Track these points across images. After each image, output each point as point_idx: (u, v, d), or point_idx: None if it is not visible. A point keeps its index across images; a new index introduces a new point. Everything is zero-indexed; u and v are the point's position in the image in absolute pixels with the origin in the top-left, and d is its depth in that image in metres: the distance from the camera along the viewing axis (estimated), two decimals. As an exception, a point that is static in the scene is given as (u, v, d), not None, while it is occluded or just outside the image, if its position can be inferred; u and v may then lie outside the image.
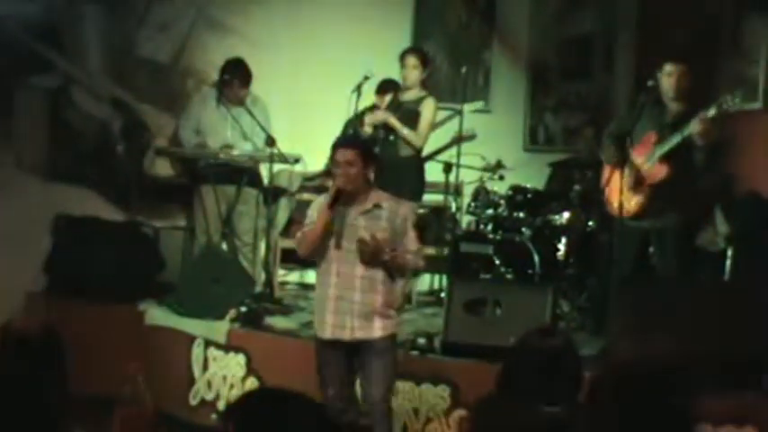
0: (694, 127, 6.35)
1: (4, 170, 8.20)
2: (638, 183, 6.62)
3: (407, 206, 5.86)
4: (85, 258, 7.71)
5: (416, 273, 6.89)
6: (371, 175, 5.61)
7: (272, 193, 8.03)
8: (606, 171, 6.82)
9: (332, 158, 5.64)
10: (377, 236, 5.43)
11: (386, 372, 5.60)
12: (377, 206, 5.56)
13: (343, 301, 5.52)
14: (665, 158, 6.54)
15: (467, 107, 8.43)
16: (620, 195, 6.47)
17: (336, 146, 5.67)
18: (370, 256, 5.43)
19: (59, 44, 8.45)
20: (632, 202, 6.62)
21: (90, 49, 8.62)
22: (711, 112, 6.30)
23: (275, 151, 7.68)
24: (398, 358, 5.84)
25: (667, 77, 6.63)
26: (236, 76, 8.03)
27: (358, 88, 7.74)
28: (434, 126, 7.92)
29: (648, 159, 6.60)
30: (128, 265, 7.78)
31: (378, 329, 5.55)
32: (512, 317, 6.21)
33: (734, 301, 5.98)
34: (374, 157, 5.76)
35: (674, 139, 6.46)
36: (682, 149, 6.47)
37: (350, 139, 5.90)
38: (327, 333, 5.57)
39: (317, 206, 5.68)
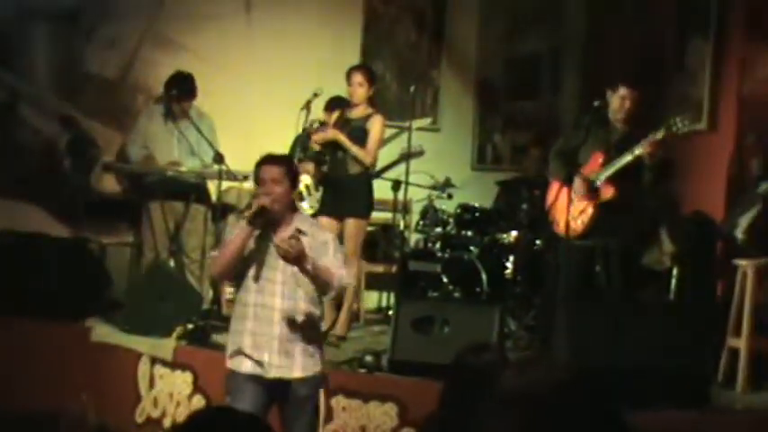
0: (644, 148, 6.42)
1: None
2: (584, 202, 6.68)
3: (328, 233, 5.43)
4: (31, 274, 7.64)
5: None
6: (293, 198, 5.23)
7: (221, 210, 8.01)
8: (553, 189, 6.87)
9: (256, 177, 5.17)
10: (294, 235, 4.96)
11: (307, 427, 5.20)
12: (299, 231, 5.07)
13: (261, 336, 5.10)
14: (612, 178, 6.61)
15: (414, 123, 8.46)
16: (567, 214, 6.52)
17: (261, 163, 5.20)
18: (294, 259, 4.89)
19: (6, 60, 8.38)
20: (578, 221, 6.67)
21: (37, 65, 8.56)
22: (660, 133, 6.39)
23: (224, 168, 7.66)
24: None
25: (619, 99, 6.70)
26: (181, 89, 8.01)
27: (307, 105, 7.76)
28: (383, 143, 7.95)
29: (596, 179, 6.66)
30: (74, 281, 7.70)
31: (298, 369, 5.11)
32: (459, 335, 6.22)
33: (678, 318, 6.04)
34: (298, 176, 5.39)
35: (624, 159, 6.53)
36: (629, 169, 6.54)
37: (276, 155, 5.35)
38: (245, 368, 5.13)
39: (235, 225, 5.33)
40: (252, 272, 5.10)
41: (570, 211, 6.58)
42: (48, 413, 6.33)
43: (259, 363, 5.09)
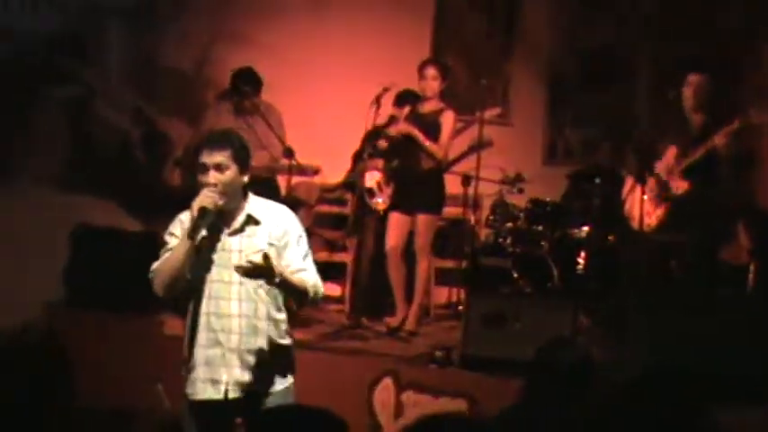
0: (718, 140, 6.32)
1: (22, 181, 8.23)
2: (659, 196, 6.60)
3: (290, 216, 4.64)
4: (104, 269, 7.71)
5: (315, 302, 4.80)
6: (245, 182, 4.50)
7: (291, 205, 8.00)
8: (628, 184, 6.79)
9: (197, 162, 4.49)
10: (252, 261, 4.29)
11: None
12: (251, 220, 4.47)
13: (215, 350, 4.46)
14: (688, 172, 6.52)
15: (486, 114, 8.37)
16: (641, 208, 6.45)
17: (203, 145, 4.50)
18: (258, 277, 4.34)
19: (81, 55, 8.48)
20: (653, 216, 6.60)
21: (112, 60, 8.65)
22: (735, 125, 6.28)
23: (294, 162, 7.67)
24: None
25: (690, 87, 6.61)
26: (248, 83, 8.02)
27: (377, 100, 7.74)
28: (454, 134, 7.93)
29: (671, 173, 6.58)
30: (147, 275, 7.76)
31: (263, 383, 4.51)
32: (531, 331, 6.18)
33: (756, 314, 5.94)
34: (248, 160, 4.55)
35: (698, 153, 6.44)
36: (704, 163, 6.45)
37: (220, 134, 4.65)
38: (197, 391, 4.51)
39: (178, 226, 4.55)
40: (203, 273, 4.46)
41: (644, 206, 6.50)
42: (123, 407, 6.38)
43: (214, 383, 4.48)
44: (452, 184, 8.23)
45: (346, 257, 8.50)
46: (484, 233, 8.77)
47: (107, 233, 7.99)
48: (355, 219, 7.89)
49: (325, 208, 8.92)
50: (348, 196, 8.55)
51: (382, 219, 7.83)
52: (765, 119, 6.43)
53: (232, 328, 4.44)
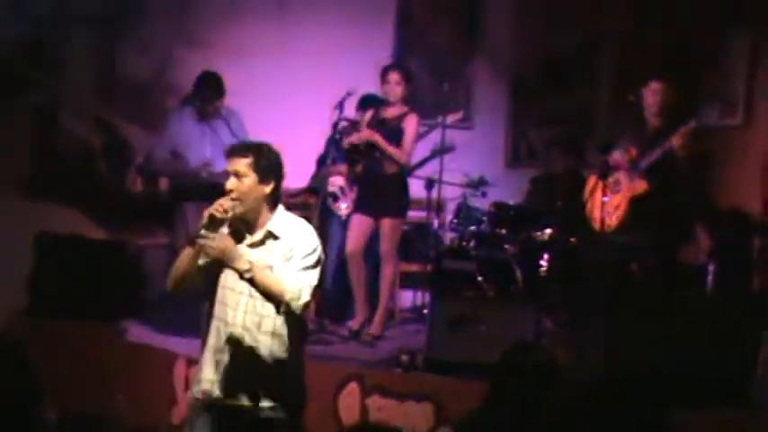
0: (675, 141, 6.40)
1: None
2: (619, 197, 6.66)
3: (305, 233, 4.59)
4: (67, 276, 7.68)
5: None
6: (268, 193, 4.53)
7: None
8: (589, 184, 6.86)
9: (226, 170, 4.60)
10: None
11: None
12: (270, 235, 4.52)
13: (220, 355, 4.55)
14: (646, 173, 6.58)
15: (446, 118, 8.38)
16: (601, 210, 6.51)
17: (228, 153, 4.61)
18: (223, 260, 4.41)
19: (44, 63, 8.44)
20: (613, 217, 6.65)
21: (74, 68, 8.61)
22: (692, 125, 6.36)
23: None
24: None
25: (652, 94, 6.69)
26: (211, 88, 8.01)
27: (340, 104, 7.74)
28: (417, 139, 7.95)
29: (629, 173, 6.64)
30: (110, 282, 7.75)
31: (258, 396, 4.52)
32: (495, 334, 6.21)
33: (716, 314, 6.00)
34: (275, 170, 4.57)
35: (655, 154, 6.51)
36: (662, 164, 6.52)
37: (245, 144, 4.74)
38: (200, 393, 4.62)
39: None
40: (219, 282, 4.54)
41: (605, 206, 6.56)
42: (85, 414, 6.36)
43: (215, 386, 4.56)
44: (416, 188, 8.25)
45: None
46: (448, 237, 8.80)
47: (70, 240, 7.96)
48: (319, 223, 7.89)
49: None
50: (312, 201, 8.55)
51: (346, 223, 7.84)
52: (722, 120, 6.52)
53: (234, 336, 4.52)
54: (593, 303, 6.66)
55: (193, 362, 6.96)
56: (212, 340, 4.59)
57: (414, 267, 8.58)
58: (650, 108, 6.72)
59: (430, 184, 8.16)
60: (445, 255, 8.21)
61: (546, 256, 7.97)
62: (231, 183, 4.47)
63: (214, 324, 4.59)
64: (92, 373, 7.14)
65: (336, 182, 8.08)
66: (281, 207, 4.60)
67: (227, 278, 4.52)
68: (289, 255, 4.49)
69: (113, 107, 8.70)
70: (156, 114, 8.80)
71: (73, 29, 8.56)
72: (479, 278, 7.87)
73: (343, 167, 7.91)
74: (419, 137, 8.15)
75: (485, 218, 8.23)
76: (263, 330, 4.52)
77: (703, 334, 5.75)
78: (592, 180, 6.86)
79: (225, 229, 4.54)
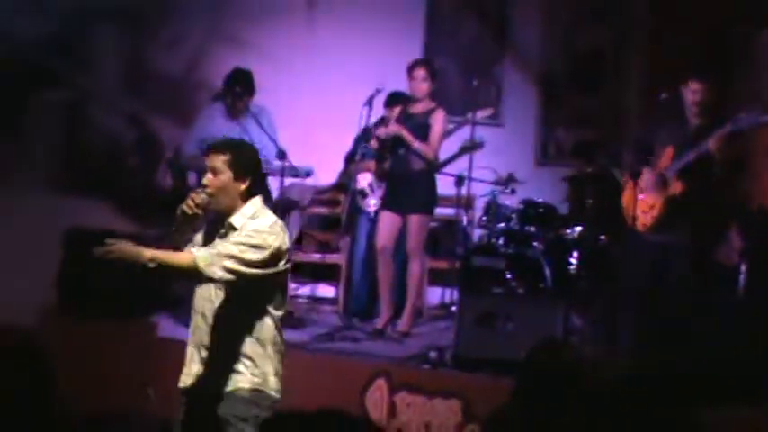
0: (711, 144, 6.37)
1: (17, 183, 8.23)
2: (654, 196, 6.63)
3: (260, 223, 4.59)
4: (98, 271, 7.70)
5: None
6: (243, 189, 4.57)
7: (283, 207, 8.02)
8: (626, 183, 6.83)
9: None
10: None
11: None
12: (230, 227, 4.56)
13: (193, 345, 4.72)
14: (682, 174, 6.55)
15: (478, 114, 8.36)
16: (634, 209, 6.48)
17: (206, 150, 4.72)
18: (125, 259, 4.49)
19: (74, 58, 8.48)
20: (648, 216, 6.62)
21: (104, 64, 8.65)
22: (727, 129, 6.33)
23: (286, 164, 7.68)
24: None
25: (692, 94, 6.65)
26: (241, 85, 8.02)
27: (369, 101, 7.74)
28: (445, 135, 7.95)
29: (667, 172, 6.61)
30: (140, 277, 7.75)
31: (223, 383, 4.62)
32: (523, 331, 6.21)
33: (748, 315, 5.97)
34: (251, 167, 4.66)
35: (689, 156, 6.48)
36: (698, 165, 6.49)
37: (223, 141, 4.78)
38: (181, 381, 4.78)
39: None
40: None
41: (640, 205, 6.54)
42: (116, 410, 6.39)
43: (189, 374, 4.71)
44: (445, 185, 8.24)
45: (339, 259, 8.52)
46: (477, 234, 8.79)
47: (100, 235, 7.96)
48: (348, 220, 7.90)
49: (317, 210, 8.92)
50: (341, 198, 8.57)
51: (374, 220, 7.85)
52: (757, 122, 6.47)
53: (205, 326, 4.64)
54: (623, 301, 6.64)
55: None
56: (191, 330, 4.73)
57: (442, 264, 8.57)
58: (690, 108, 6.67)
59: (459, 181, 8.14)
60: (474, 252, 8.20)
61: (575, 254, 7.96)
62: (207, 178, 4.55)
63: (192, 314, 4.72)
64: (122, 369, 7.16)
65: (365, 178, 8.09)
66: (255, 200, 4.62)
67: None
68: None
69: (144, 102, 8.72)
70: (186, 110, 8.82)
71: (103, 24, 8.59)
72: (508, 275, 7.85)
73: (371, 164, 7.92)
74: (448, 133, 8.15)
75: (514, 215, 8.22)
76: (240, 324, 4.61)
77: (734, 333, 5.71)
78: (628, 177, 6.84)
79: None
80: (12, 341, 3.39)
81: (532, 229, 8.16)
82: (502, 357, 5.99)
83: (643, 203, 6.62)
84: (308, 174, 8.06)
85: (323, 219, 8.94)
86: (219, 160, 4.55)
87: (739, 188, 7.71)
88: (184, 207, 4.50)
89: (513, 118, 9.91)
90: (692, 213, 6.62)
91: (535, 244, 8.08)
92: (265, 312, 4.62)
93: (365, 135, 7.89)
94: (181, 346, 5.21)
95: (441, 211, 8.49)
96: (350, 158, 8.40)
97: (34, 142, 8.41)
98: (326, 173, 8.64)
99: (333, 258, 8.59)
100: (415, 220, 7.43)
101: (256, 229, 4.52)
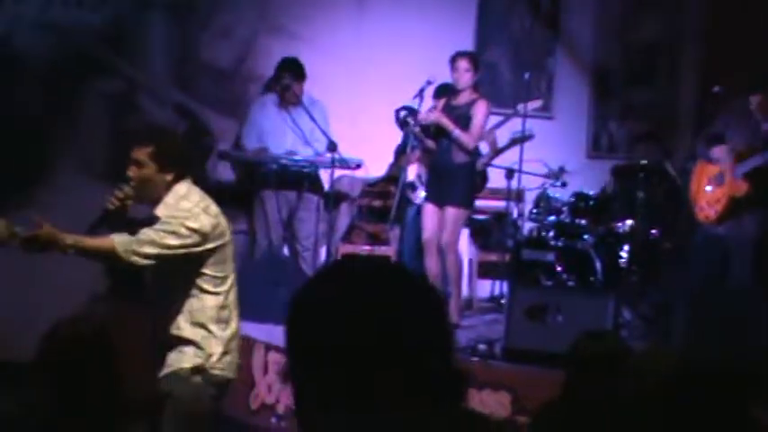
0: None
1: (67, 173, 8.29)
2: (721, 190, 6.55)
3: (175, 209, 4.61)
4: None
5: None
6: (169, 181, 4.59)
7: (334, 199, 8.03)
8: (696, 172, 6.78)
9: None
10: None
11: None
12: (155, 218, 4.61)
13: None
14: (749, 175, 6.47)
15: (526, 106, 8.32)
16: (704, 197, 6.45)
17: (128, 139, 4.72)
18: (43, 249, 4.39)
19: (124, 50, 8.53)
20: (713, 210, 6.58)
21: (154, 55, 8.69)
22: None
23: (337, 156, 7.69)
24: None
25: (755, 108, 6.53)
26: (289, 72, 8.05)
27: (420, 93, 7.73)
28: (496, 127, 7.93)
29: (734, 171, 6.53)
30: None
31: (167, 365, 4.71)
32: (573, 324, 6.14)
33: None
34: (177, 159, 4.65)
35: (758, 160, 6.40)
36: (765, 171, 6.41)
37: (150, 131, 4.83)
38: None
39: None
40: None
41: (706, 197, 6.50)
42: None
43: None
44: (495, 178, 8.21)
45: (389, 251, 8.51)
46: (527, 227, 8.75)
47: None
48: (397, 212, 7.89)
49: (367, 201, 8.92)
50: (391, 189, 8.56)
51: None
52: None
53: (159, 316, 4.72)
54: (675, 296, 6.58)
55: (272, 348, 7.02)
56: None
57: (492, 257, 8.55)
58: (757, 113, 6.56)
59: (510, 173, 8.11)
60: (524, 244, 8.16)
61: (626, 248, 7.90)
62: (131, 170, 4.54)
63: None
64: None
65: (414, 170, 8.07)
66: (177, 187, 4.61)
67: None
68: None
69: (194, 94, 8.76)
70: (236, 101, 8.86)
71: (153, 15, 8.63)
72: (558, 268, 7.82)
73: (422, 156, 7.90)
74: (497, 125, 8.12)
75: (564, 208, 8.17)
76: (177, 308, 4.65)
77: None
78: (699, 166, 6.77)
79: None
80: (82, 329, 3.43)
81: (583, 221, 8.12)
82: (551, 350, 5.94)
83: (709, 196, 6.57)
84: (359, 166, 8.07)
85: (373, 211, 8.93)
86: (142, 152, 4.52)
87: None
88: (107, 204, 4.53)
89: (564, 110, 9.86)
90: (758, 210, 6.53)
91: (586, 237, 8.03)
92: (203, 293, 4.64)
93: (399, 122, 7.91)
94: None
95: (491, 203, 8.46)
96: (400, 150, 8.39)
97: (86, 133, 8.47)
98: (377, 165, 8.63)
99: (382, 250, 8.58)
100: (450, 212, 7.40)
101: (174, 215, 4.51)
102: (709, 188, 6.58)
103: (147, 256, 4.49)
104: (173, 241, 4.51)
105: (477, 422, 1.96)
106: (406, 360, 1.80)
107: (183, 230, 4.52)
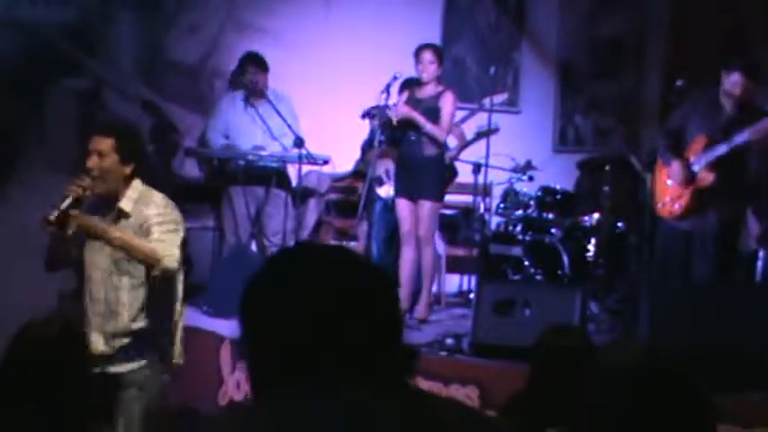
0: (751, 135, 6.31)
1: (35, 170, 8.25)
2: (683, 185, 6.58)
3: (156, 203, 4.76)
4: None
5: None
6: (128, 174, 4.67)
7: (301, 195, 8.03)
8: (658, 169, 6.81)
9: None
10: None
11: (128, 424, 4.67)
12: (121, 214, 4.66)
13: (89, 328, 4.67)
14: (713, 165, 6.49)
15: (493, 100, 8.34)
16: (665, 192, 6.47)
17: (93, 132, 4.74)
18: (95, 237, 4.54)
19: (91, 46, 8.50)
20: (676, 204, 6.60)
21: (121, 52, 8.66)
22: (765, 123, 6.27)
23: (304, 152, 7.68)
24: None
25: (731, 85, 6.53)
26: (255, 65, 8.06)
27: (387, 88, 7.72)
28: (462, 121, 7.94)
29: (696, 163, 6.55)
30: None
31: (120, 363, 4.72)
32: (541, 318, 6.17)
33: (766, 302, 5.93)
34: (136, 151, 4.76)
35: (723, 148, 6.42)
36: (732, 158, 6.43)
37: (110, 124, 4.91)
38: None
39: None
40: (84, 255, 4.73)
41: (669, 192, 6.52)
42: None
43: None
44: (462, 173, 8.23)
45: (357, 246, 8.51)
46: (494, 221, 8.78)
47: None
48: (365, 207, 7.90)
49: (335, 197, 8.92)
50: (358, 185, 8.57)
51: (390, 207, 7.84)
52: None
53: (95, 310, 4.72)
54: (642, 289, 6.61)
55: (239, 344, 7.02)
56: (87, 314, 4.76)
57: (460, 252, 8.57)
58: (728, 97, 6.57)
59: (477, 168, 8.13)
60: (491, 239, 8.20)
61: (593, 241, 7.94)
62: (92, 161, 4.59)
63: (84, 299, 4.77)
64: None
65: (382, 165, 8.08)
66: (135, 183, 4.72)
67: (90, 256, 4.71)
68: (145, 227, 4.64)
69: (160, 90, 8.73)
70: (202, 97, 8.84)
71: (120, 11, 8.60)
72: (526, 262, 7.85)
73: (388, 150, 7.90)
74: (464, 120, 8.14)
75: (531, 202, 8.20)
76: (121, 302, 4.69)
77: (752, 319, 5.69)
78: (660, 163, 6.80)
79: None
80: (52, 330, 3.43)
81: (550, 215, 8.16)
82: (519, 344, 5.94)
83: (672, 191, 6.59)
84: (326, 161, 8.07)
85: (341, 206, 8.94)
86: (105, 143, 4.60)
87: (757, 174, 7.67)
88: (71, 190, 4.52)
89: (530, 104, 9.90)
90: (722, 205, 6.56)
91: (553, 231, 8.07)
92: (159, 285, 4.75)
93: (364, 118, 7.92)
94: (195, 333, 5.26)
95: (458, 198, 8.48)
96: (367, 145, 8.40)
97: (54, 131, 8.43)
98: (345, 160, 8.64)
99: (351, 246, 8.58)
100: (425, 206, 7.40)
101: (161, 213, 4.69)
102: (671, 183, 6.61)
103: (177, 259, 4.69)
104: (180, 237, 4.70)
105: (425, 400, 1.99)
106: (348, 337, 1.86)
107: (180, 225, 4.75)
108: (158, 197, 4.79)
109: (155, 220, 4.66)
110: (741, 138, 6.34)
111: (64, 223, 4.54)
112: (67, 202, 4.51)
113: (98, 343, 4.69)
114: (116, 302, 4.71)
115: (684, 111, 6.77)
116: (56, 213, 4.50)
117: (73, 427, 3.26)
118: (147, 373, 4.78)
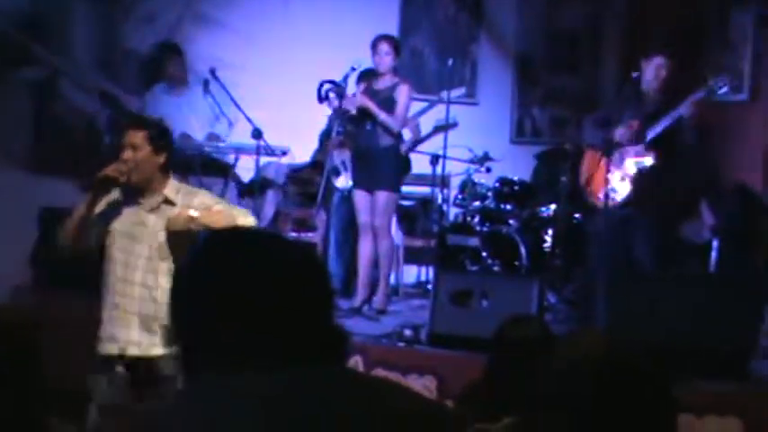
0: (684, 110, 6.38)
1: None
2: (623, 171, 6.63)
3: (202, 197, 4.98)
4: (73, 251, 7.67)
5: None
6: (162, 163, 4.85)
7: (260, 186, 8.01)
8: (587, 160, 6.84)
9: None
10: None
11: None
12: (167, 202, 4.85)
13: (121, 312, 4.85)
14: (652, 145, 6.57)
15: (449, 94, 8.36)
16: (605, 185, 6.50)
17: (126, 126, 5.00)
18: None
19: (46, 36, 8.43)
20: (618, 192, 6.65)
21: (77, 41, 8.60)
22: (700, 94, 6.36)
23: (263, 144, 7.67)
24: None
25: (654, 69, 6.65)
26: (170, 52, 8.10)
27: (345, 79, 7.73)
28: (420, 114, 7.94)
29: (633, 147, 6.62)
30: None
31: (160, 346, 4.81)
32: (498, 308, 6.20)
33: (718, 291, 5.99)
34: (167, 142, 4.92)
35: (662, 124, 6.49)
36: (669, 135, 6.50)
37: (143, 119, 5.12)
38: (102, 348, 4.92)
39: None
40: (117, 243, 4.86)
41: (609, 182, 6.55)
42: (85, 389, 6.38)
43: (117, 340, 4.85)
44: (420, 164, 8.25)
45: (315, 237, 8.51)
46: (452, 212, 8.81)
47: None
48: (322, 198, 7.90)
49: (293, 188, 8.91)
50: (316, 176, 8.56)
51: (348, 198, 7.85)
52: (728, 91, 6.50)
53: (135, 295, 4.82)
54: (595, 279, 6.66)
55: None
56: (109, 299, 4.89)
57: (418, 243, 8.60)
58: (652, 83, 6.68)
59: (434, 159, 8.16)
60: (449, 230, 8.23)
61: (550, 232, 7.99)
62: (127, 153, 4.78)
63: (114, 283, 4.87)
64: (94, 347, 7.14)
65: (339, 156, 8.08)
66: (171, 177, 4.95)
67: (125, 242, 4.85)
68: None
69: (117, 80, 8.68)
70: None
71: (76, 2, 8.54)
72: (483, 253, 7.88)
73: (345, 141, 7.91)
74: (421, 112, 8.16)
75: (489, 193, 8.24)
76: (161, 287, 4.79)
77: (705, 309, 5.74)
78: (590, 155, 6.83)
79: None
80: (8, 320, 3.39)
81: (508, 206, 8.20)
82: (477, 335, 5.97)
83: (613, 180, 6.64)
84: (284, 153, 8.05)
85: (299, 197, 8.93)
86: (138, 136, 4.80)
87: (711, 165, 7.75)
88: (111, 173, 4.76)
89: (488, 96, 9.94)
90: (664, 186, 6.63)
91: (510, 222, 8.11)
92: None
93: (340, 113, 7.88)
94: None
95: (416, 189, 8.50)
96: (325, 136, 8.39)
97: (8, 121, 8.36)
98: (303, 151, 8.63)
99: (308, 236, 8.58)
100: (381, 196, 7.41)
101: (212, 198, 5.02)
102: (610, 174, 6.64)
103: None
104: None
105: (358, 380, 2.00)
106: (278, 319, 1.87)
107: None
108: (198, 189, 5.17)
109: (209, 202, 4.88)
110: (679, 111, 6.43)
111: (104, 187, 4.80)
112: (97, 184, 4.78)
113: (132, 329, 4.81)
114: (155, 286, 4.81)
115: (613, 105, 6.87)
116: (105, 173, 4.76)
117: (29, 422, 3.24)
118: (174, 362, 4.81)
